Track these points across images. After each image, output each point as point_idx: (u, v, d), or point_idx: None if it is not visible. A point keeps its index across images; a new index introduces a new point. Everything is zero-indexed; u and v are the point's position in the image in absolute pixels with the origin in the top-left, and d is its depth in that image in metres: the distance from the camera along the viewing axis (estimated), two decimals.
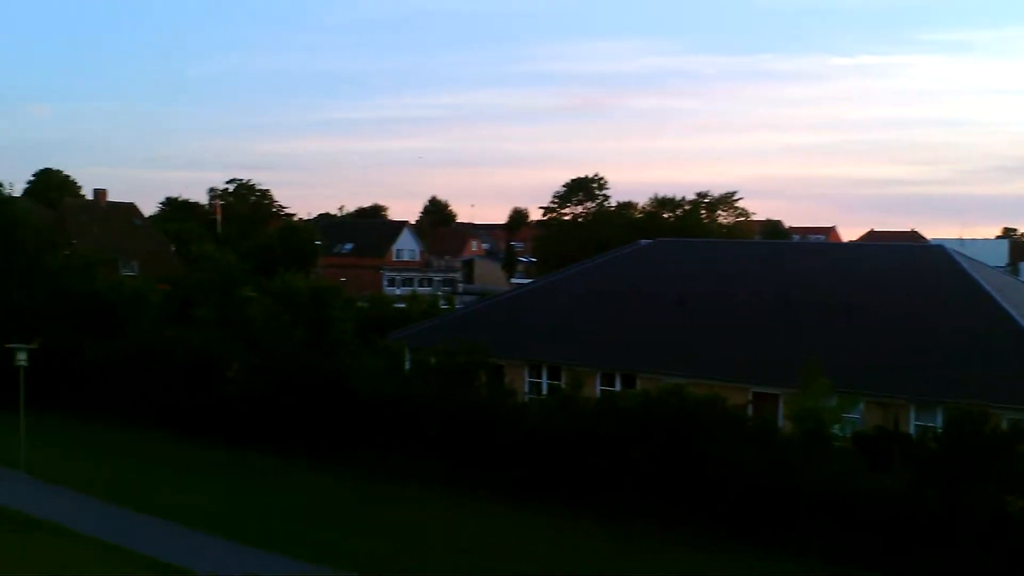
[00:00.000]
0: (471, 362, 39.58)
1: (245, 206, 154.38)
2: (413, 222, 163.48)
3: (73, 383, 50.14)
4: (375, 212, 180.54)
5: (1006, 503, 26.66)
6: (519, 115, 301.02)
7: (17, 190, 71.46)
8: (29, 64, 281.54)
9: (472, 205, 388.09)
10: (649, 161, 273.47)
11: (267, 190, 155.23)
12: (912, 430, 34.13)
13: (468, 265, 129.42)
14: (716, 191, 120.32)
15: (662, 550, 29.33)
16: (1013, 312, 38.37)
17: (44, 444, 39.98)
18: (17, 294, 51.69)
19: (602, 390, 39.61)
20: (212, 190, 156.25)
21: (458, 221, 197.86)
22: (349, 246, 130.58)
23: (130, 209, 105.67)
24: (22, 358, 30.19)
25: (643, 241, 57.12)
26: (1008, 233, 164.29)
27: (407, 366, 42.75)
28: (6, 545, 27.22)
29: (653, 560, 28.34)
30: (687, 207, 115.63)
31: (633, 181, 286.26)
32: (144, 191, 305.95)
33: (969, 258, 45.17)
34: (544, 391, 41.29)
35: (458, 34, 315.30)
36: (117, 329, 53.55)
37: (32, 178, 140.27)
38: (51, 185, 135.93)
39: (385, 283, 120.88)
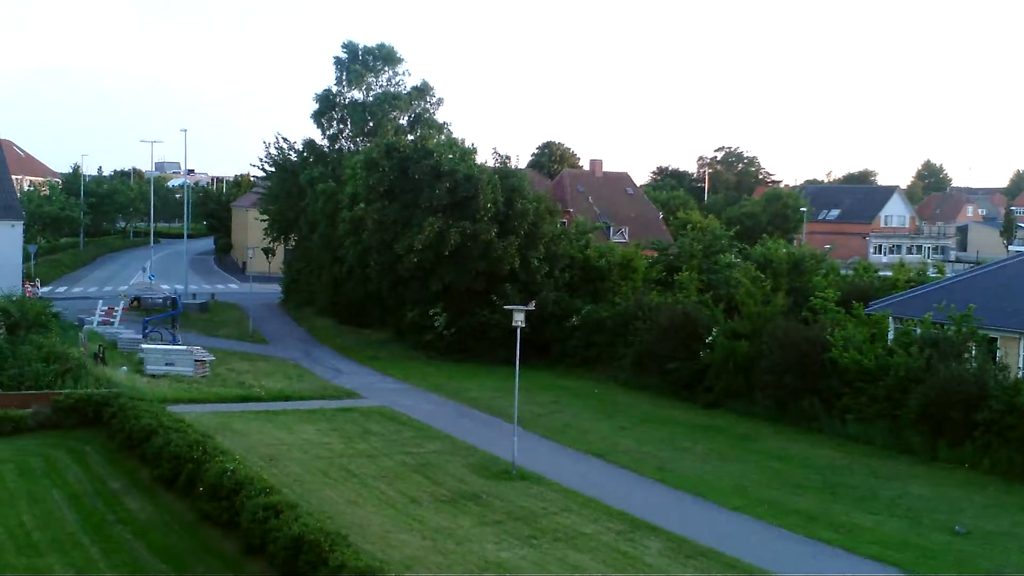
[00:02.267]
0: (959, 333, 37.77)
1: (732, 174, 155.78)
2: (904, 187, 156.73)
3: (565, 342, 53.71)
4: (864, 177, 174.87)
5: None
6: None
7: (522, 162, 77.15)
8: None
9: (969, 168, 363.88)
10: None
11: (754, 157, 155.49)
12: None
13: (962, 231, 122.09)
14: None
15: None
16: None
17: (535, 401, 43.42)
18: (515, 258, 55.75)
19: None
20: (701, 159, 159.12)
21: (954, 185, 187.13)
22: (835, 212, 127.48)
23: (623, 178, 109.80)
24: (519, 319, 32.65)
25: None
26: None
27: (890, 336, 41.49)
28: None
29: None
30: None
31: None
32: (639, 161, 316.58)
33: None
34: None
35: None
36: (605, 293, 56.49)
37: (536, 151, 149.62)
38: (553, 157, 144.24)
39: (871, 250, 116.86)
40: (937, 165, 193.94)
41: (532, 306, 40.09)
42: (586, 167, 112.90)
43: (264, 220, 79.82)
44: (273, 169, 76.97)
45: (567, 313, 54.38)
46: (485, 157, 66.62)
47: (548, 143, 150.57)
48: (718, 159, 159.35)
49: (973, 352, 37.42)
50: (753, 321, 44.16)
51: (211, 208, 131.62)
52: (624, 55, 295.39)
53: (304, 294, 73.37)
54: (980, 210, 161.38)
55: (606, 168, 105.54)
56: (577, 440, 37.16)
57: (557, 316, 54.24)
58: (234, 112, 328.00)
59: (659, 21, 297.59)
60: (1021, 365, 39.25)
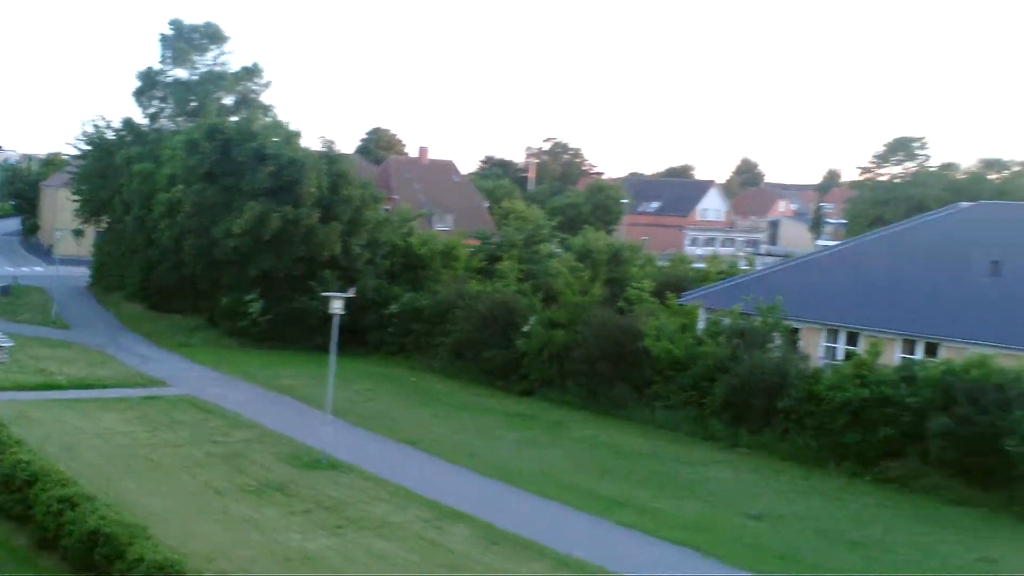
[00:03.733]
0: (765, 324, 39.09)
1: (558, 164, 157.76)
2: (722, 182, 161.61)
3: (383, 330, 53.39)
4: (684, 172, 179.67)
5: None
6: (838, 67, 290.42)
7: (349, 147, 76.23)
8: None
9: (783, 166, 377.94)
10: (977, 120, 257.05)
11: (580, 149, 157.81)
12: None
13: (773, 226, 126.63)
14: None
15: (939, 524, 28.23)
16: None
17: (351, 389, 43.04)
18: (337, 245, 55.10)
19: (901, 358, 38.09)
20: (529, 149, 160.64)
21: (767, 181, 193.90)
22: (655, 205, 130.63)
23: (448, 166, 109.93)
24: (337, 306, 32.19)
25: (962, 204, 54.26)
26: None
27: (700, 326, 42.64)
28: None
29: (929, 536, 27.21)
30: (1016, 170, 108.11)
31: (962, 140, 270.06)
32: (469, 150, 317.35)
33: None
34: (840, 356, 40.18)
35: None
36: (426, 281, 56.35)
37: (364, 137, 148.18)
38: (380, 143, 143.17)
39: (687, 242, 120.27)
40: (753, 161, 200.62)
41: (352, 293, 39.54)
42: (413, 154, 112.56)
43: (76, 200, 76.85)
44: (89, 147, 74.21)
45: (387, 300, 54.00)
46: (312, 142, 65.63)
47: (376, 129, 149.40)
48: (545, 150, 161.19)
49: (778, 342, 38.76)
50: (570, 310, 44.74)
51: (19, 187, 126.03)
52: (455, 43, 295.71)
53: (114, 278, 70.78)
54: (792, 205, 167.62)
55: (434, 156, 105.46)
56: (391, 428, 36.96)
57: (377, 304, 53.82)
58: (51, 87, 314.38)
59: (489, 10, 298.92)
60: (821, 355, 40.92)
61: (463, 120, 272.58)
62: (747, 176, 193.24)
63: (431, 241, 59.72)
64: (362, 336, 53.07)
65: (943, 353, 37.23)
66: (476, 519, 26.42)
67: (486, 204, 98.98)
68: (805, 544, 25.67)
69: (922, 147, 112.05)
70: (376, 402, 41.66)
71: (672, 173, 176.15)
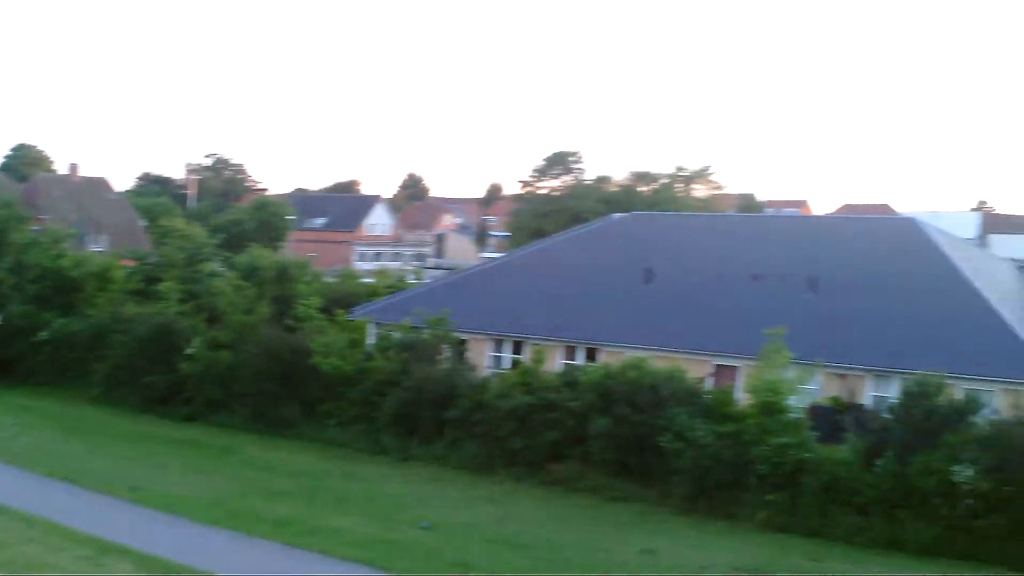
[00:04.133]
0: (433, 336, 39.50)
1: (220, 181, 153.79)
2: (388, 196, 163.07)
3: (33, 359, 49.89)
4: (350, 187, 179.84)
5: (952, 473, 26.79)
6: (500, 85, 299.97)
7: None
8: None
9: (448, 180, 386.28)
10: (630, 133, 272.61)
11: (242, 165, 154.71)
12: (869, 401, 34.41)
13: (439, 239, 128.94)
14: (695, 164, 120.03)
15: (603, 522, 29.38)
16: (977, 284, 38.59)
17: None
18: None
19: (564, 364, 39.58)
20: (189, 165, 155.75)
21: (432, 195, 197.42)
22: (322, 220, 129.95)
23: (101, 183, 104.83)
24: None
25: (616, 215, 57.18)
26: (980, 205, 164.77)
27: (371, 341, 42.57)
28: None
29: (594, 533, 28.28)
30: (664, 181, 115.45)
31: (616, 155, 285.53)
32: (125, 167, 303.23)
33: (938, 230, 45.33)
34: (506, 365, 41.29)
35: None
36: (80, 305, 53.18)
37: (8, 153, 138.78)
38: (27, 160, 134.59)
39: (355, 258, 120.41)
40: (418, 176, 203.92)
41: None
42: (64, 171, 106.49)
43: None
44: None
45: (36, 327, 50.49)
46: None
47: (21, 145, 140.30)
48: (206, 166, 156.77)
49: (447, 354, 39.28)
50: (235, 330, 43.50)
51: None
52: (103, 52, 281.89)
53: None
54: (456, 219, 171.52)
55: (86, 173, 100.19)
56: (44, 464, 34.37)
57: (25, 331, 50.20)
58: None
59: (139, 22, 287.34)
60: (489, 364, 41.90)
61: (118, 135, 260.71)
62: (413, 191, 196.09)
63: (84, 263, 56.40)
64: (10, 367, 49.39)
65: (602, 357, 39.06)
66: (140, 553, 24.92)
67: (144, 223, 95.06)
68: (476, 551, 25.97)
69: (578, 161, 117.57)
70: (27, 437, 38.71)
71: (338, 188, 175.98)
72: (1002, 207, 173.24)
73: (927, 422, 28.03)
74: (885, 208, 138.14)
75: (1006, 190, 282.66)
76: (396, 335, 40.57)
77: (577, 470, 32.99)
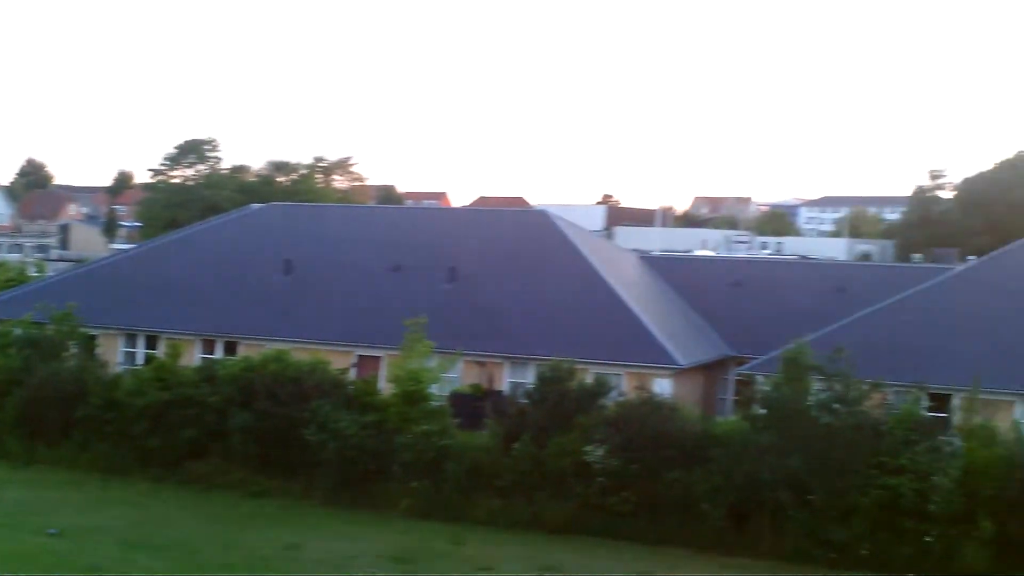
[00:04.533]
0: (59, 332, 37.08)
1: None
2: (6, 183, 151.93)
3: None
4: None
5: (585, 453, 28.16)
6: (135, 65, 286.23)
7: None
8: None
9: (73, 168, 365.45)
10: (269, 123, 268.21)
11: None
12: (507, 387, 35.62)
13: (64, 230, 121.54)
14: (335, 155, 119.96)
15: (246, 518, 28.81)
16: (605, 274, 40.78)
17: None
18: None
19: (202, 358, 38.30)
20: None
21: (56, 183, 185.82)
22: None
23: None
24: None
25: (254, 205, 56.02)
26: (605, 200, 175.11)
27: None
28: None
29: (236, 530, 27.64)
30: (303, 172, 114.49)
31: (254, 143, 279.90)
32: None
33: (569, 222, 47.44)
34: (140, 361, 39.46)
35: None
36: None
37: None
38: None
39: None
40: (40, 162, 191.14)
41: None
42: None
43: None
44: None
45: None
46: None
47: None
48: None
49: (74, 351, 36.97)
50: None
51: None
52: None
53: None
54: (83, 208, 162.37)
55: None
56: None
57: None
58: None
59: None
60: (121, 360, 39.87)
61: None
62: (34, 178, 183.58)
63: None
64: None
65: (242, 351, 38.15)
66: None
67: None
68: (109, 555, 24.68)
69: (213, 149, 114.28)
70: None
71: None
72: (625, 201, 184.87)
73: (561, 406, 29.27)
74: (519, 201, 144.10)
75: (628, 185, 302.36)
76: (17, 331, 37.71)
77: (218, 467, 31.99)
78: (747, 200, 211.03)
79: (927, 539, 25.39)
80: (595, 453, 28.11)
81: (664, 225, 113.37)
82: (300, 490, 30.79)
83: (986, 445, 25.81)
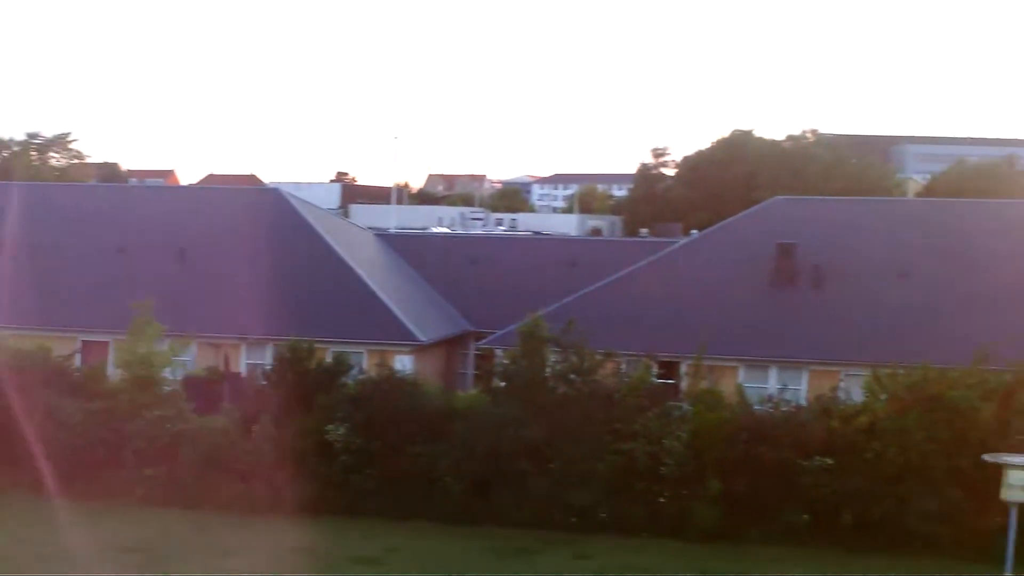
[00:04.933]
0: None
1: None
2: None
3: None
4: None
5: (326, 432, 27.87)
6: None
7: None
8: None
9: None
10: None
11: None
12: (244, 369, 34.80)
13: None
14: (52, 131, 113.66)
15: None
16: (342, 253, 40.45)
17: None
18: None
19: None
20: None
21: None
22: None
23: None
24: None
25: None
26: (341, 177, 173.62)
27: None
28: None
29: None
30: (15, 148, 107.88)
31: None
32: None
33: (303, 201, 46.79)
34: None
35: None
36: None
37: None
38: None
39: None
40: None
41: None
42: None
43: None
44: None
45: None
46: None
47: None
48: None
49: None
50: None
51: None
52: None
53: None
54: None
55: None
56: None
57: None
58: None
59: None
60: None
61: None
62: None
63: None
64: None
65: None
66: None
67: None
68: None
69: None
70: None
71: None
72: (361, 178, 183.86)
73: (300, 386, 28.87)
74: (251, 179, 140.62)
75: (363, 162, 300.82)
76: None
77: None
78: (482, 177, 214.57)
79: (661, 500, 26.51)
80: (337, 432, 27.84)
81: (400, 203, 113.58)
82: (29, 483, 28.95)
83: (712, 408, 27.06)
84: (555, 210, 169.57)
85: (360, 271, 39.51)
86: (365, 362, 33.74)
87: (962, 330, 32.90)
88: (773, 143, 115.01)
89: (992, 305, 34.81)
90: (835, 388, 29.14)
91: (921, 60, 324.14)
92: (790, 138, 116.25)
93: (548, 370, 28.46)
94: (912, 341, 32.42)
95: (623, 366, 29.87)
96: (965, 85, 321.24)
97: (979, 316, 34.15)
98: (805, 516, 25.88)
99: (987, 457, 20.48)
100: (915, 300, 35.76)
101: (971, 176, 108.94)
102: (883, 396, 26.81)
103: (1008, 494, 19.03)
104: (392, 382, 29.05)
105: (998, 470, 19.27)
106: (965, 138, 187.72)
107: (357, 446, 27.75)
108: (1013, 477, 18.99)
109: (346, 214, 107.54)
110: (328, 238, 41.55)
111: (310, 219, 43.10)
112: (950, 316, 34.76)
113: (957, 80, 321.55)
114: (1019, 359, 27.03)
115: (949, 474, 25.14)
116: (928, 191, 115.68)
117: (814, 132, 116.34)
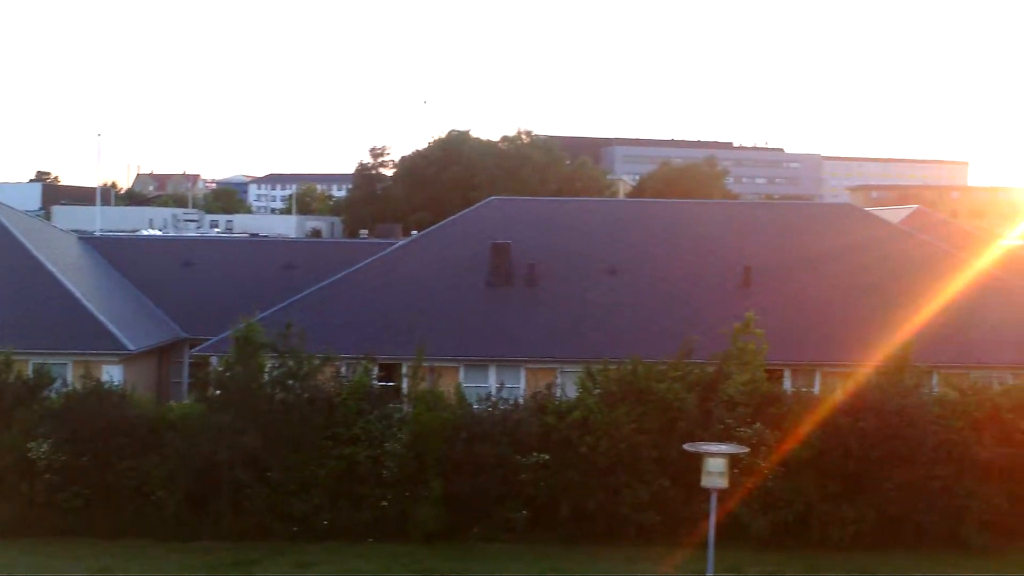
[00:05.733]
0: None
1: None
2: None
3: None
4: None
5: (28, 449, 26.28)
6: None
7: None
8: None
9: None
10: None
11: None
12: None
13: None
14: None
15: None
16: (43, 258, 38.24)
17: None
18: None
19: None
20: None
21: None
22: None
23: None
24: None
25: None
26: (42, 177, 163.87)
27: None
28: None
29: None
30: None
31: None
32: None
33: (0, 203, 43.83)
34: None
35: None
36: None
37: None
38: None
39: None
40: None
41: None
42: None
43: None
44: None
45: None
46: None
47: None
48: None
49: None
50: None
51: None
52: None
53: None
54: None
55: None
56: None
57: None
58: None
59: None
60: None
61: None
62: None
63: None
64: None
65: None
66: None
67: None
68: None
69: None
70: None
71: None
72: (65, 178, 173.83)
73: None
74: None
75: (67, 160, 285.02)
76: None
77: None
78: (195, 177, 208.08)
79: (384, 503, 26.45)
80: (40, 449, 26.23)
81: (107, 204, 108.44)
82: None
83: (431, 409, 27.19)
84: (273, 211, 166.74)
85: (62, 277, 37.36)
86: (70, 374, 31.90)
87: (668, 324, 34.47)
88: (489, 143, 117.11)
89: (697, 299, 36.71)
90: (551, 385, 29.93)
91: (625, 63, 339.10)
92: (505, 139, 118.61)
93: (265, 376, 27.81)
94: (622, 336, 33.74)
95: (343, 370, 29.51)
96: (668, 89, 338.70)
97: (684, 310, 35.90)
98: (524, 512, 26.50)
99: (688, 446, 21.45)
100: (624, 297, 37.19)
101: (676, 177, 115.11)
102: (596, 391, 27.75)
103: (707, 481, 19.99)
104: (99, 394, 27.61)
105: (700, 458, 20.20)
106: (668, 140, 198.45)
107: (62, 463, 26.30)
108: (711, 465, 19.95)
109: (48, 216, 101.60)
110: (27, 242, 39.10)
111: (7, 222, 40.43)
112: (657, 311, 36.34)
113: (661, 84, 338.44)
114: (720, 351, 28.62)
115: (658, 464, 26.42)
116: (637, 191, 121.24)
117: (528, 133, 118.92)
